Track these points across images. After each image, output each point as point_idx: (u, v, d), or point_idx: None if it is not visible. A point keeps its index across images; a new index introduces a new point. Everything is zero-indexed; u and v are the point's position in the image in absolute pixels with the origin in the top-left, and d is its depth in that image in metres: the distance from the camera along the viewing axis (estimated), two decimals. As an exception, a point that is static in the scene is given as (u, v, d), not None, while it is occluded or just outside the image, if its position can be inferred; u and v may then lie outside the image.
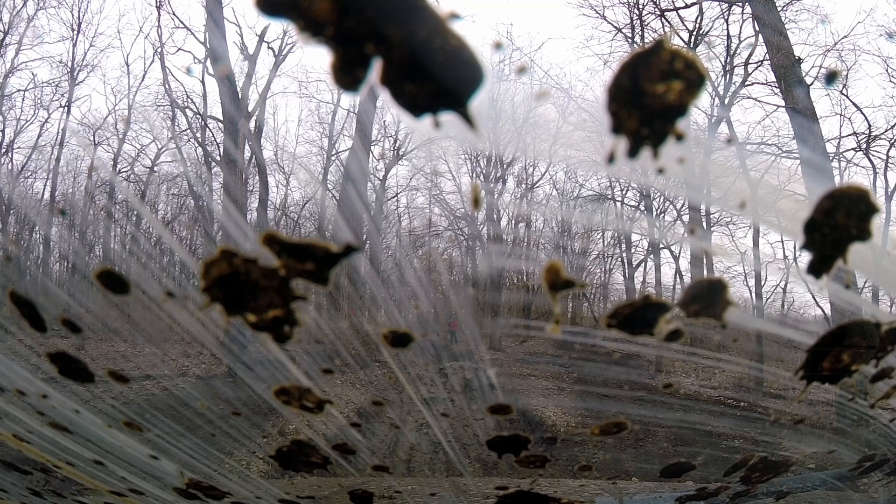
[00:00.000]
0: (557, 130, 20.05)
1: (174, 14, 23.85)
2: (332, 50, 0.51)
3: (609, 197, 20.93)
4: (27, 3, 17.69)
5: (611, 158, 0.59)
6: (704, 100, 15.64)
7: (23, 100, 18.82)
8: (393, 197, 25.11)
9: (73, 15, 18.88)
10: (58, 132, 18.67)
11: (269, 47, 19.20)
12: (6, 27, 17.50)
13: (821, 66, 13.32)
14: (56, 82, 18.91)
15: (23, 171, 19.16)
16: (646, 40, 15.29)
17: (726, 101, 15.54)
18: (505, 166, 22.40)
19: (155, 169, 21.14)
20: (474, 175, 22.73)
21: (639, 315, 0.76)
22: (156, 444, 1.24)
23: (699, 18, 15.37)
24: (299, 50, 19.96)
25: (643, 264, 22.83)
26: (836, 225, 0.67)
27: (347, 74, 0.52)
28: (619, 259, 23.07)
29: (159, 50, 18.63)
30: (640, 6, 15.61)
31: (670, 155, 0.60)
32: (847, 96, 13.57)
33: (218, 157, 19.20)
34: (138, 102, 20.26)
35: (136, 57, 43.48)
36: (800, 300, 19.46)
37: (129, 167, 20.73)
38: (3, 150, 18.46)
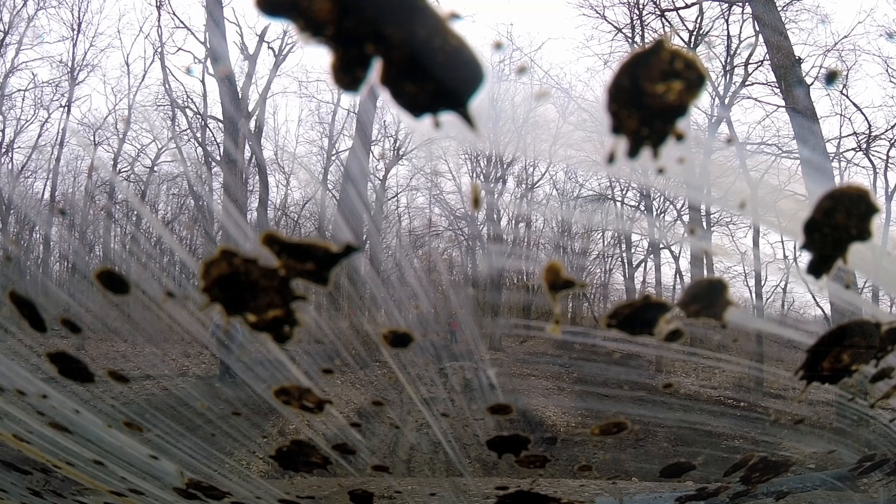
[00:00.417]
0: (557, 130, 20.12)
1: (174, 14, 23.91)
2: (332, 50, 0.51)
3: (609, 197, 20.95)
4: (27, 3, 17.72)
5: (611, 158, 0.59)
6: (704, 100, 15.65)
7: (23, 100, 18.86)
8: (393, 197, 25.16)
9: (73, 15, 18.92)
10: (58, 132, 18.71)
11: (269, 47, 19.24)
12: (6, 27, 17.52)
13: (821, 66, 13.34)
14: (56, 82, 18.95)
15: (23, 171, 19.19)
16: (646, 40, 15.29)
17: (726, 101, 15.55)
18: (505, 166, 22.45)
19: (155, 169, 21.18)
20: (474, 175, 22.78)
21: (639, 315, 0.76)
22: (156, 444, 1.24)
23: (699, 18, 15.40)
24: (299, 50, 20.02)
25: (643, 264, 22.87)
26: (836, 225, 0.67)
27: (347, 74, 0.52)
28: (619, 259, 23.12)
29: (159, 50, 18.66)
30: (640, 6, 15.64)
31: (670, 155, 0.60)
32: (847, 96, 13.60)
33: (218, 157, 19.21)
34: (138, 102, 20.31)
35: (136, 57, 43.58)
36: (800, 300, 19.51)
37: (129, 167, 20.77)
38: (3, 150, 18.48)
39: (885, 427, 1.51)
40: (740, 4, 13.56)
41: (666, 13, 15.18)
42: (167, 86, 19.03)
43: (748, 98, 15.22)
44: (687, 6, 14.85)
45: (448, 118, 0.54)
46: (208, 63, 18.40)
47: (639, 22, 15.86)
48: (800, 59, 9.85)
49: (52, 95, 18.98)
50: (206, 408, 1.71)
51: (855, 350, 0.84)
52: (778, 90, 11.33)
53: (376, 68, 0.51)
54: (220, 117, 17.71)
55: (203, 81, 19.35)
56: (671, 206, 19.63)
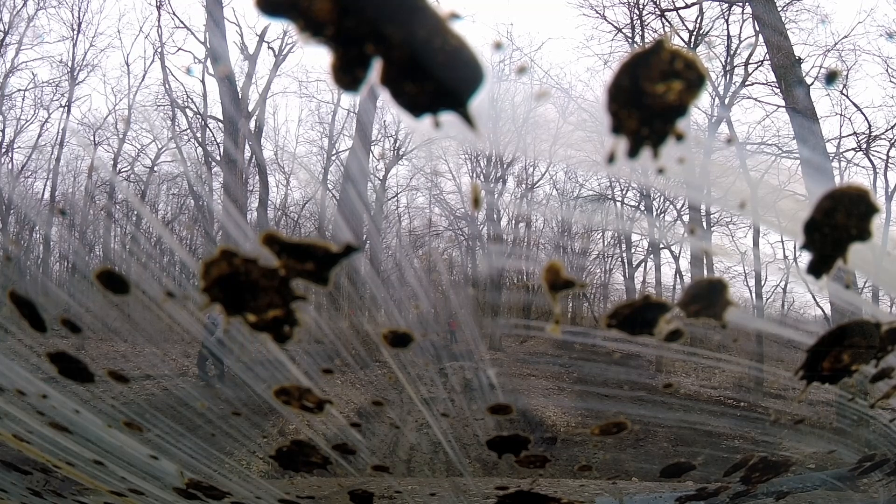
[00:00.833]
0: (557, 130, 20.12)
1: (174, 14, 23.90)
2: (332, 50, 0.51)
3: (609, 197, 20.95)
4: (27, 3, 17.71)
5: (611, 158, 0.59)
6: (704, 100, 15.65)
7: (23, 100, 18.85)
8: (393, 197, 25.16)
9: (73, 15, 18.91)
10: (58, 132, 18.71)
11: (269, 47, 19.25)
12: (6, 27, 17.52)
13: (821, 66, 13.34)
14: (56, 82, 18.95)
15: (23, 171, 19.18)
16: (646, 40, 15.29)
17: (726, 101, 15.55)
18: (505, 166, 22.44)
19: (155, 169, 21.17)
20: (474, 175, 22.77)
21: (639, 315, 0.76)
22: (156, 444, 1.24)
23: (699, 18, 15.40)
24: (299, 50, 20.01)
25: (643, 264, 22.87)
26: (836, 225, 0.67)
27: (347, 74, 0.52)
28: (619, 259, 23.12)
29: (159, 50, 18.68)
30: (640, 6, 15.64)
31: (670, 155, 0.60)
32: (847, 96, 13.59)
33: (218, 157, 19.23)
34: (138, 102, 20.30)
35: (136, 57, 43.50)
36: (800, 300, 19.51)
37: (129, 167, 20.76)
38: (3, 150, 18.47)
39: (885, 427, 1.51)
40: (740, 4, 13.56)
41: (666, 13, 15.19)
42: (167, 86, 19.07)
43: (748, 98, 15.23)
44: (687, 6, 14.86)
45: (448, 118, 0.54)
46: (208, 63, 18.45)
47: (639, 22, 15.87)
48: (800, 59, 9.85)
49: (52, 95, 19.01)
50: (206, 408, 1.71)
51: (855, 350, 0.84)
52: (778, 90, 11.33)
53: (376, 68, 0.51)
54: (220, 117, 17.77)
55: (203, 81, 19.40)
56: (671, 206, 19.65)
